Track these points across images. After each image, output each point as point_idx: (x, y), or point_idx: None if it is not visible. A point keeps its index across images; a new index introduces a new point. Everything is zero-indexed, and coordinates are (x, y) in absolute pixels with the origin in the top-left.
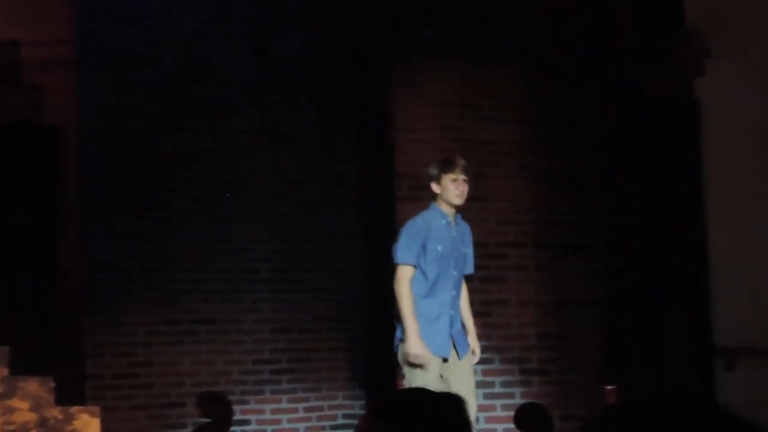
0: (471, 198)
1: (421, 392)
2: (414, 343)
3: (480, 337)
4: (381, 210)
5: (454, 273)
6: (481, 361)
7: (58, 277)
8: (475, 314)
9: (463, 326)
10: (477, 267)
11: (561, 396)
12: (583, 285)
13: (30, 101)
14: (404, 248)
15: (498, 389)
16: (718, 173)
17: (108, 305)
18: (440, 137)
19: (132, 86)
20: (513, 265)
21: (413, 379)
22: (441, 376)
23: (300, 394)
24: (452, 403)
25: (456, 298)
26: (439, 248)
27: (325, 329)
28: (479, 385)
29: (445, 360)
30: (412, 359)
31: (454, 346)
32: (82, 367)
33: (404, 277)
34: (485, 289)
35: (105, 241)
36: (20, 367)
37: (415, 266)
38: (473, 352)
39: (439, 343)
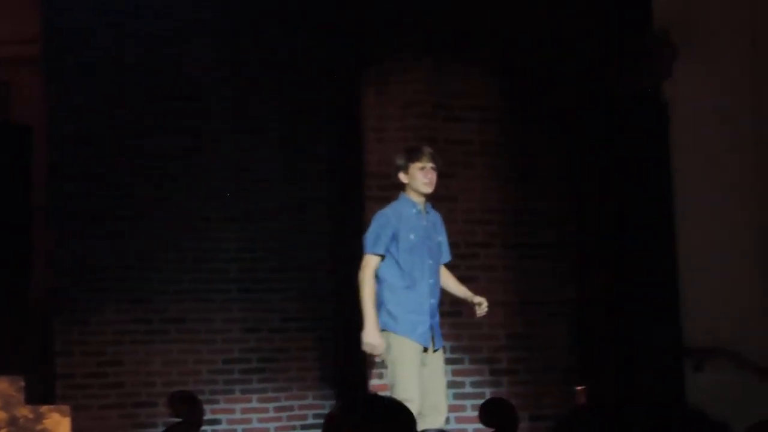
0: (440, 198)
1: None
2: (369, 332)
3: (449, 337)
4: (350, 209)
5: (430, 261)
6: (451, 362)
7: (28, 276)
8: (445, 314)
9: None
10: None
11: (530, 396)
12: (552, 285)
13: None
14: (372, 238)
15: (468, 389)
16: (686, 173)
17: (78, 304)
18: (410, 137)
19: (101, 83)
20: (482, 265)
21: (395, 367)
22: (423, 364)
23: (270, 394)
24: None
25: (434, 287)
26: (412, 237)
27: (294, 329)
28: (449, 385)
29: (425, 350)
30: (366, 348)
31: (435, 336)
32: (52, 366)
33: (368, 266)
34: None
35: (75, 239)
36: None
37: (382, 256)
38: (480, 304)
39: (421, 332)
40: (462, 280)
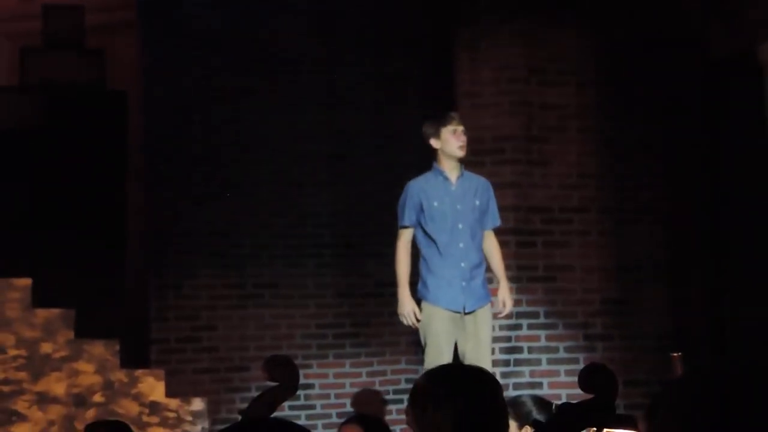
0: (534, 162)
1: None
2: (401, 303)
3: (544, 302)
4: None
5: (460, 226)
6: (545, 327)
7: (124, 241)
8: (539, 279)
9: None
10: (541, 232)
11: (625, 362)
12: (647, 250)
13: (94, 65)
14: (401, 212)
15: (562, 354)
16: None
17: (172, 269)
18: (504, 101)
19: (194, 49)
20: (577, 230)
21: (425, 334)
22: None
23: (363, 359)
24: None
25: (469, 250)
26: (436, 204)
27: (388, 294)
28: (543, 350)
29: (459, 312)
30: (400, 318)
31: (467, 299)
32: (147, 330)
33: (399, 239)
34: (549, 254)
35: (170, 204)
36: (86, 330)
37: (412, 227)
38: (503, 304)
39: (448, 294)
40: (556, 244)
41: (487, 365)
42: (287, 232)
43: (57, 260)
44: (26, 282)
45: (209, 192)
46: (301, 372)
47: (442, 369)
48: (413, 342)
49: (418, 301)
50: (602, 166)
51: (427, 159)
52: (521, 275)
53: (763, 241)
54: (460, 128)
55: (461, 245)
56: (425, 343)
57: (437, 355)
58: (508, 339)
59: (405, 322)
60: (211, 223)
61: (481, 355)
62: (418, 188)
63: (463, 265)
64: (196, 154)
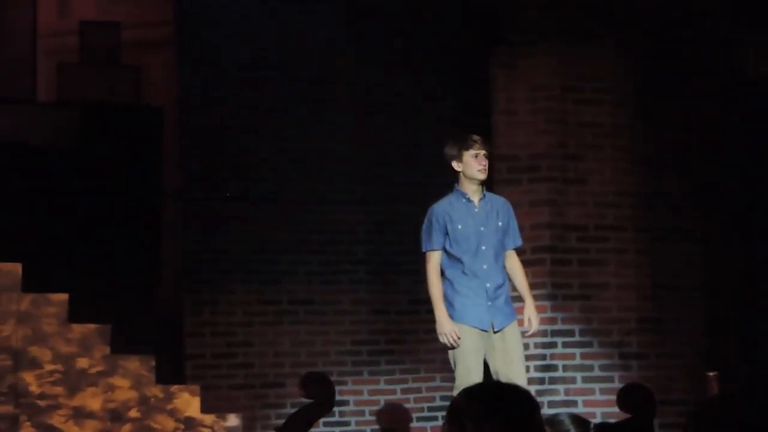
0: (570, 180)
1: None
2: (440, 323)
3: (579, 320)
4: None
5: (483, 248)
6: (580, 345)
7: (160, 257)
8: (574, 297)
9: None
10: (576, 250)
11: (660, 380)
12: (683, 269)
13: (130, 82)
14: (425, 236)
15: (597, 373)
16: None
17: (208, 285)
18: (540, 119)
19: (229, 67)
20: (613, 248)
21: (455, 353)
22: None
23: (398, 376)
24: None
25: (492, 271)
26: (460, 227)
27: (422, 311)
28: (578, 368)
29: (485, 330)
30: (441, 339)
31: (494, 318)
32: (183, 346)
33: (428, 263)
34: (584, 272)
35: (206, 220)
36: (121, 346)
37: (440, 250)
38: (529, 321)
39: (476, 315)
40: (592, 262)
41: (521, 383)
42: (322, 249)
43: (93, 276)
44: (63, 297)
45: (244, 209)
46: (336, 389)
47: (480, 386)
48: (447, 359)
49: None
50: (638, 185)
51: None
52: (556, 293)
53: None
54: (482, 152)
55: (485, 266)
56: (454, 362)
57: (467, 374)
58: (543, 357)
59: (445, 341)
60: (247, 240)
61: (514, 372)
62: (442, 211)
63: (488, 285)
64: (230, 171)
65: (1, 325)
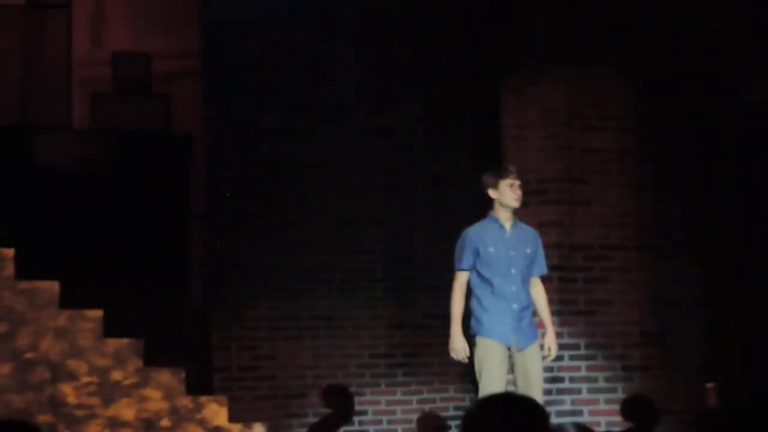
0: (577, 203)
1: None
2: (453, 339)
3: (584, 334)
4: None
5: (512, 271)
6: (585, 357)
7: (188, 276)
8: (580, 313)
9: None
10: (582, 268)
11: (661, 392)
12: (683, 286)
13: (160, 110)
14: (458, 256)
15: (601, 384)
16: None
17: (234, 302)
18: (548, 144)
19: (255, 95)
20: (617, 266)
21: (480, 365)
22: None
23: (413, 387)
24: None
25: (519, 294)
26: (491, 250)
27: (436, 326)
28: (584, 379)
29: (508, 346)
30: (452, 354)
31: (518, 337)
32: (210, 359)
33: (457, 280)
34: (590, 289)
35: (231, 241)
36: (153, 359)
37: (468, 270)
38: (549, 349)
39: (502, 332)
40: (597, 280)
41: (538, 398)
42: (342, 267)
43: (127, 293)
44: (98, 313)
45: (268, 230)
46: (356, 399)
47: (493, 397)
48: (461, 372)
49: (472, 337)
50: (641, 207)
51: (475, 198)
52: (563, 309)
53: None
54: (517, 182)
55: (513, 288)
56: (480, 374)
57: (490, 385)
58: (551, 369)
59: (456, 357)
60: (270, 259)
61: (531, 389)
62: (475, 234)
63: (514, 306)
64: (255, 194)
65: (40, 340)
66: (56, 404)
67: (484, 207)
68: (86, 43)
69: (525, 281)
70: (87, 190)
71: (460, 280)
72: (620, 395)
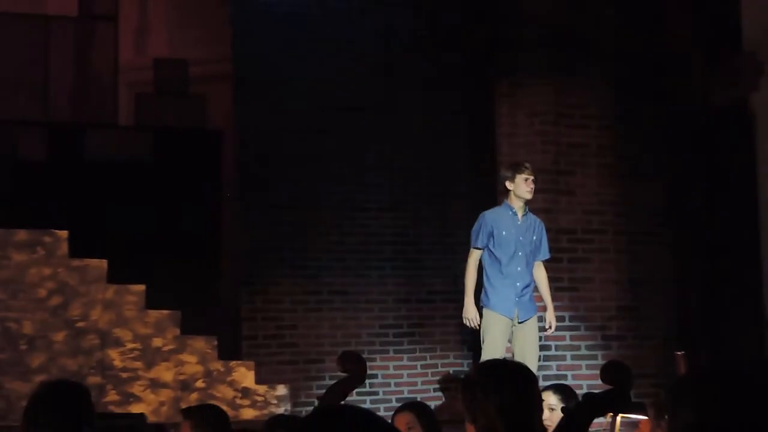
0: (562, 192)
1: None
2: (466, 308)
3: (568, 308)
4: (486, 202)
5: (519, 253)
6: (569, 328)
7: (221, 256)
8: (564, 289)
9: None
10: (567, 250)
11: (636, 358)
12: (656, 265)
13: (196, 109)
14: (474, 235)
15: (583, 351)
16: None
17: (261, 278)
18: (537, 141)
19: (279, 96)
20: (597, 248)
21: (485, 333)
22: (513, 334)
23: (418, 354)
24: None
25: (524, 273)
26: (504, 233)
27: (438, 300)
28: (568, 347)
29: (510, 318)
30: (465, 322)
31: (519, 310)
32: (239, 328)
33: (471, 257)
34: (573, 268)
35: (258, 225)
36: (189, 328)
37: (482, 249)
38: (550, 326)
39: (506, 306)
40: (579, 260)
41: (533, 364)
42: (355, 248)
43: (166, 270)
44: (141, 288)
45: (290, 215)
46: (367, 364)
47: (489, 363)
48: (460, 341)
49: (480, 308)
50: (618, 196)
51: (474, 188)
52: (550, 286)
53: (753, 260)
54: (531, 177)
55: (519, 269)
56: (483, 341)
57: (493, 351)
58: (539, 339)
59: (468, 324)
60: (293, 241)
61: (528, 356)
62: (491, 218)
63: (518, 284)
64: (279, 183)
65: (90, 311)
66: (104, 367)
67: (481, 196)
68: (131, 50)
69: (529, 264)
70: (131, 179)
71: (474, 256)
72: (600, 361)
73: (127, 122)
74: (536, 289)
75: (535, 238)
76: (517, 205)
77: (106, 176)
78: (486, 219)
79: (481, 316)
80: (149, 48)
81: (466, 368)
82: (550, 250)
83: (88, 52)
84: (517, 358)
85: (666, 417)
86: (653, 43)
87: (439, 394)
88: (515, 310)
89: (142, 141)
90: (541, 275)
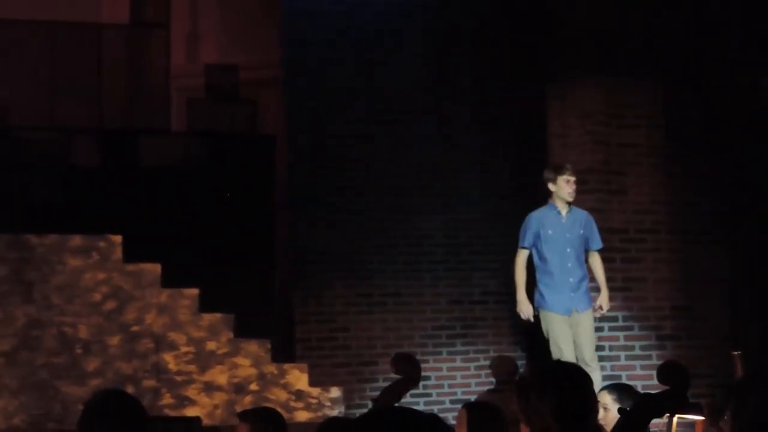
0: (614, 192)
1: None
2: (519, 302)
3: (622, 308)
4: (537, 203)
5: (568, 250)
6: (623, 329)
7: (273, 259)
8: (618, 289)
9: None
10: (619, 250)
11: (691, 358)
12: (710, 265)
13: (247, 115)
14: (521, 236)
15: (637, 352)
16: None
17: (313, 281)
18: (587, 141)
19: (331, 101)
20: (650, 248)
21: (549, 335)
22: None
23: (471, 355)
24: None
25: (575, 268)
26: (550, 232)
27: (492, 301)
28: (622, 348)
29: (569, 315)
30: (519, 314)
31: (577, 304)
32: (293, 331)
33: (519, 255)
34: (626, 268)
35: (311, 228)
36: (243, 331)
37: (529, 248)
38: (601, 307)
39: (560, 302)
40: (632, 260)
41: (590, 355)
42: (407, 251)
43: (220, 274)
44: (194, 292)
45: (342, 219)
46: (421, 366)
47: (543, 365)
48: (513, 342)
49: (537, 310)
50: (670, 195)
51: (522, 189)
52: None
53: None
54: (573, 179)
55: (569, 265)
56: (549, 340)
57: (558, 351)
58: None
59: (523, 316)
60: (345, 244)
61: (585, 347)
62: (537, 218)
63: (571, 280)
64: (331, 187)
65: (144, 315)
66: (159, 371)
67: (532, 196)
68: (182, 56)
69: (579, 257)
70: (184, 184)
71: (522, 255)
72: (655, 362)
73: (179, 128)
74: (592, 278)
75: (582, 231)
76: (560, 204)
77: (159, 181)
78: (531, 219)
79: (538, 318)
80: (200, 54)
81: (519, 370)
82: (603, 240)
83: (140, 59)
84: (579, 353)
85: (725, 417)
86: (703, 41)
87: (494, 396)
88: (572, 306)
89: (194, 146)
90: (596, 263)
